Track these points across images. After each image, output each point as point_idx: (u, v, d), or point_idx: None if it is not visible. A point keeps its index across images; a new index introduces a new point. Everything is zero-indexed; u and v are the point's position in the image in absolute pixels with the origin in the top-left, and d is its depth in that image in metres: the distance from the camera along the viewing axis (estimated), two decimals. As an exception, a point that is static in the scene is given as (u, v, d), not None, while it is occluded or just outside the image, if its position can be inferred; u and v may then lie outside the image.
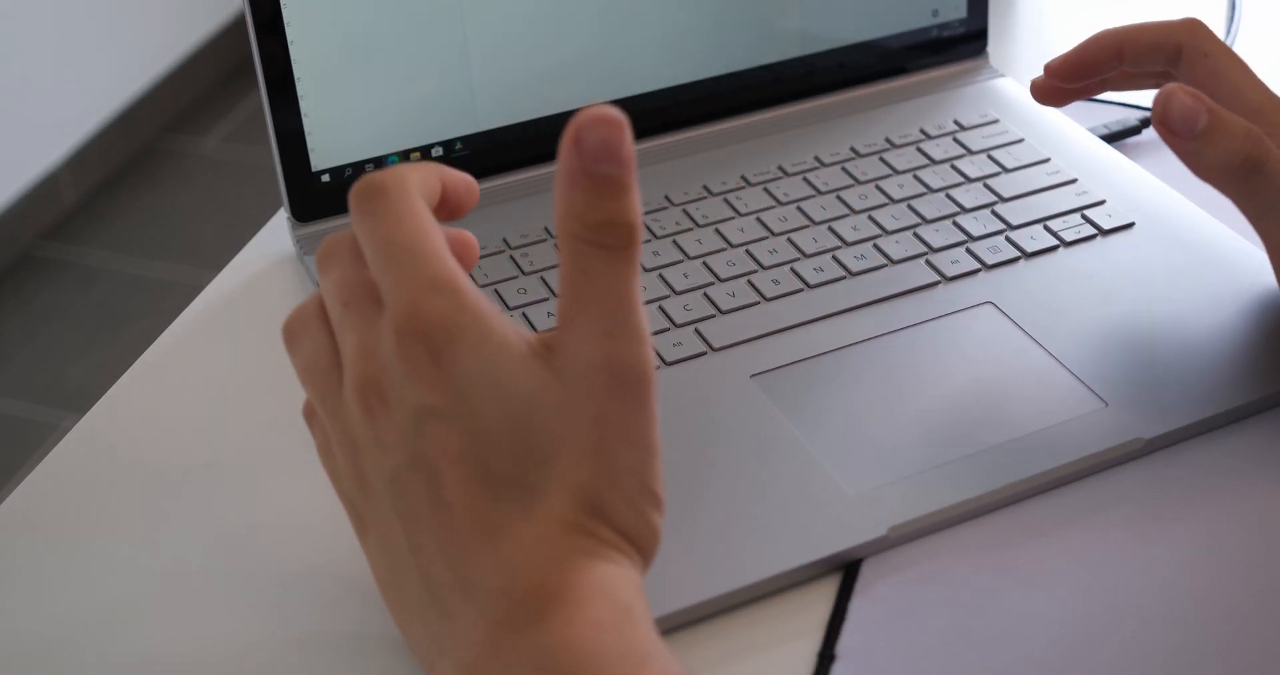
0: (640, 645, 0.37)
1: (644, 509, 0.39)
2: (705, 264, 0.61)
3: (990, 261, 0.60)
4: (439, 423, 0.38)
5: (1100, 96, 0.72)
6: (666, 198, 0.65)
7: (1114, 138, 0.69)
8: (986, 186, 0.64)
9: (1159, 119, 0.50)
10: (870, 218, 0.63)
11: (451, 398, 0.38)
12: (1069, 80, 0.57)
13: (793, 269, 0.60)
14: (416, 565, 0.39)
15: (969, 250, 0.61)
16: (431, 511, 0.38)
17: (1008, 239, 0.61)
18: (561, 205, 0.38)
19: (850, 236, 0.62)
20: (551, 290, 0.59)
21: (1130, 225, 0.62)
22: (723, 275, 0.60)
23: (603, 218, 0.37)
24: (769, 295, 0.59)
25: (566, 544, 0.38)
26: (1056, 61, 0.57)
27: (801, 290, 0.59)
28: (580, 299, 0.38)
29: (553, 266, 0.61)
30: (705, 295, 0.59)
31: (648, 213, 0.64)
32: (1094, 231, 0.61)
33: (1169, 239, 0.61)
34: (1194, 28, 0.54)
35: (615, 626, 0.37)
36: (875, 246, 0.61)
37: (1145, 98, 0.72)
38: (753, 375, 0.55)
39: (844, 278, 0.59)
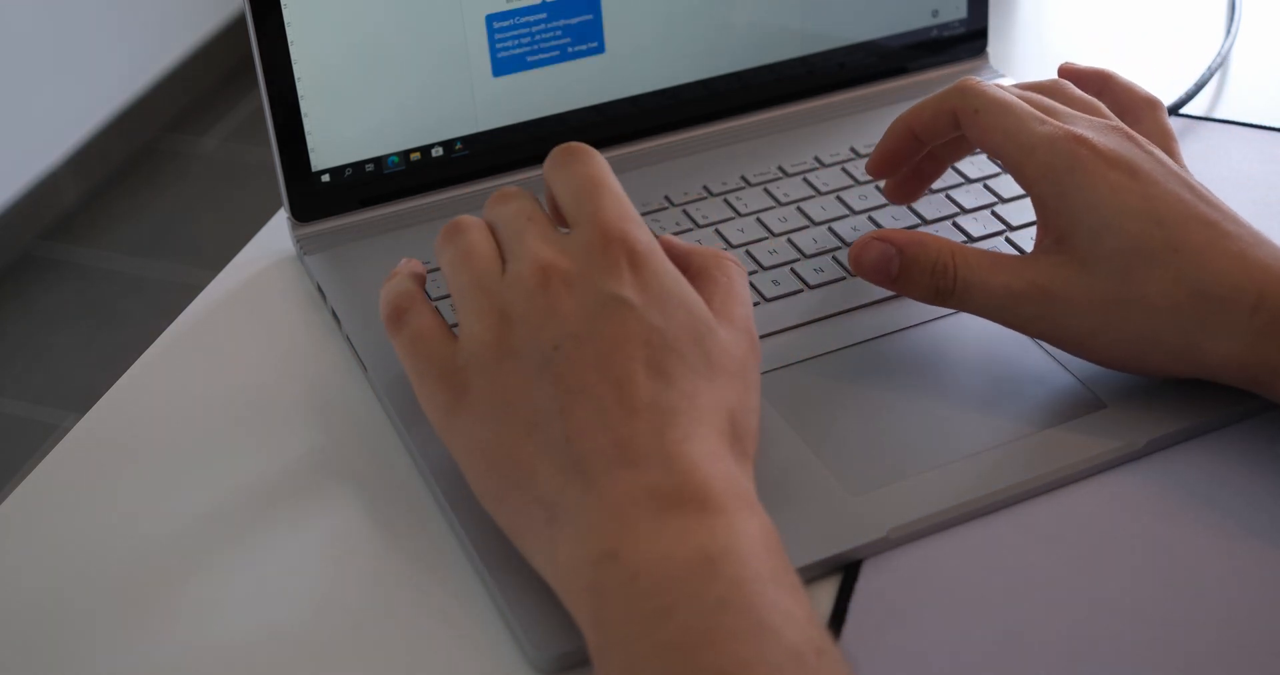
0: (789, 575, 0.41)
1: (756, 436, 0.46)
2: (705, 264, 0.60)
3: (990, 262, 0.60)
4: (627, 311, 0.44)
5: (1100, 97, 0.72)
6: (666, 198, 0.65)
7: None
8: (986, 187, 0.64)
9: (856, 270, 0.54)
10: (870, 218, 0.63)
11: (644, 297, 0.45)
12: (890, 172, 0.59)
13: (793, 269, 0.60)
14: (563, 431, 0.43)
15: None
16: (598, 382, 0.43)
17: (1008, 240, 0.61)
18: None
19: (850, 237, 0.62)
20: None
21: (1130, 225, 0.62)
22: (723, 275, 0.60)
23: None
24: (769, 295, 0.59)
25: (720, 445, 0.43)
26: (870, 161, 0.59)
27: (801, 290, 0.59)
28: (731, 299, 0.48)
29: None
30: (705, 295, 0.59)
31: (647, 213, 0.64)
32: (1094, 232, 0.61)
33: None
34: (962, 90, 0.55)
35: (774, 549, 0.41)
36: (875, 247, 0.61)
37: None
38: (753, 375, 0.55)
39: (844, 278, 0.59)
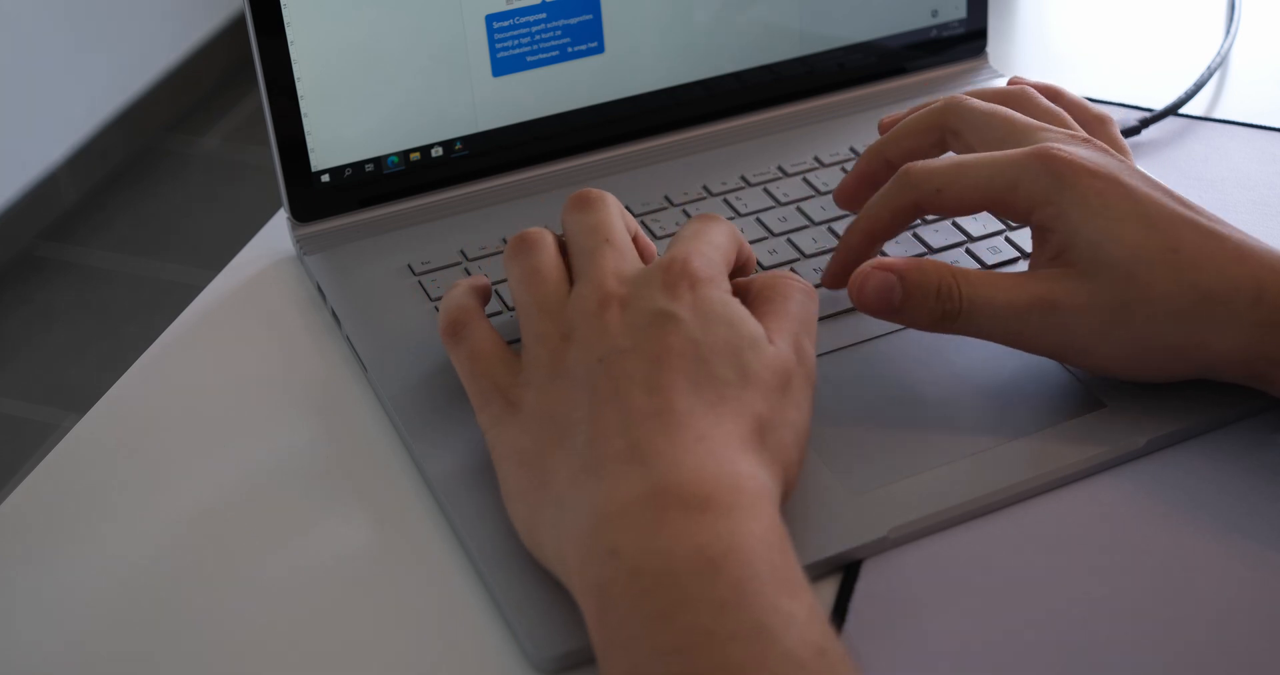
0: (793, 572, 0.41)
1: (792, 450, 0.46)
2: (705, 264, 0.60)
3: (990, 262, 0.60)
4: (673, 325, 0.46)
5: (1099, 96, 0.72)
6: (666, 198, 0.65)
7: (1114, 138, 0.69)
8: (986, 187, 0.64)
9: (858, 304, 0.52)
10: (870, 218, 0.63)
11: (692, 314, 0.46)
12: (860, 201, 0.58)
13: (793, 269, 0.60)
14: (588, 432, 0.44)
15: (968, 251, 0.61)
16: (630, 390, 0.45)
17: (1007, 239, 0.61)
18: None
19: (850, 237, 0.62)
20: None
21: (1130, 225, 0.62)
22: (723, 275, 0.60)
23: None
24: (769, 295, 0.59)
25: (737, 448, 0.44)
26: (841, 191, 0.59)
27: (801, 290, 0.59)
28: (784, 317, 0.49)
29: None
30: (705, 295, 0.59)
31: (648, 213, 0.64)
32: (1094, 232, 0.61)
33: (1169, 239, 0.61)
34: (912, 182, 0.53)
35: (777, 546, 0.42)
36: (875, 247, 0.61)
37: (1145, 97, 0.72)
38: (753, 375, 0.55)
39: (844, 278, 0.59)
